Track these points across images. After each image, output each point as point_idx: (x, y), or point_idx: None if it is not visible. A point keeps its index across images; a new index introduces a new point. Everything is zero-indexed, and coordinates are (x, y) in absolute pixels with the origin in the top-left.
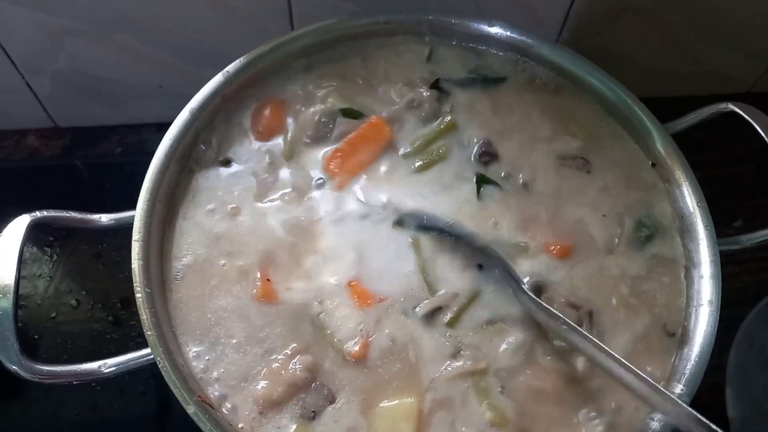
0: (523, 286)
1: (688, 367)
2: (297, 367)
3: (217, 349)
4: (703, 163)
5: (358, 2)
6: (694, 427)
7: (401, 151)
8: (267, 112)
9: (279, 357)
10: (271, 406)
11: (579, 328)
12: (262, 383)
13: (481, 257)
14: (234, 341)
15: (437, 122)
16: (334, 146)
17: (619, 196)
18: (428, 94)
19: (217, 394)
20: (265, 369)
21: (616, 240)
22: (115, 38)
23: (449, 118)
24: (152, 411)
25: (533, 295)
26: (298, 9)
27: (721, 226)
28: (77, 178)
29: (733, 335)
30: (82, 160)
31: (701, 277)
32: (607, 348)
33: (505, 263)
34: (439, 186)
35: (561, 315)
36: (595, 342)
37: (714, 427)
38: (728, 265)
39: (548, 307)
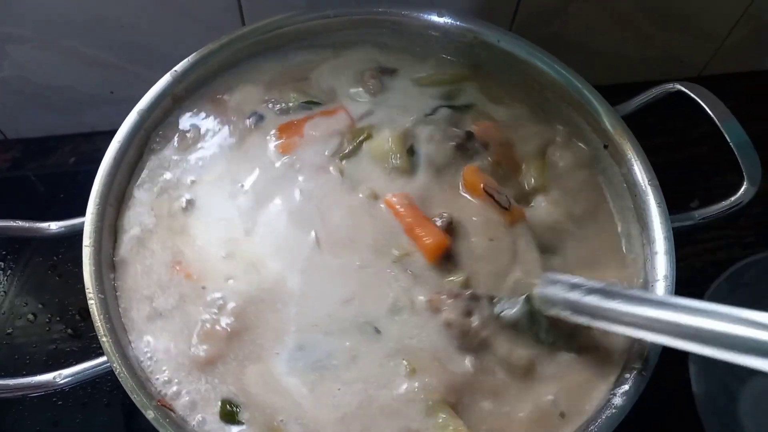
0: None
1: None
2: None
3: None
4: (658, 148)
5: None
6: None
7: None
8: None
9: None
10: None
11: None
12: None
13: None
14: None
15: None
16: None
17: None
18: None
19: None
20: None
21: None
22: (61, 43)
23: None
24: (118, 423)
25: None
26: (248, 6)
27: (678, 208)
28: (30, 190)
29: None
30: (34, 171)
31: (656, 253)
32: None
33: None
34: None
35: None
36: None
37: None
38: (686, 246)
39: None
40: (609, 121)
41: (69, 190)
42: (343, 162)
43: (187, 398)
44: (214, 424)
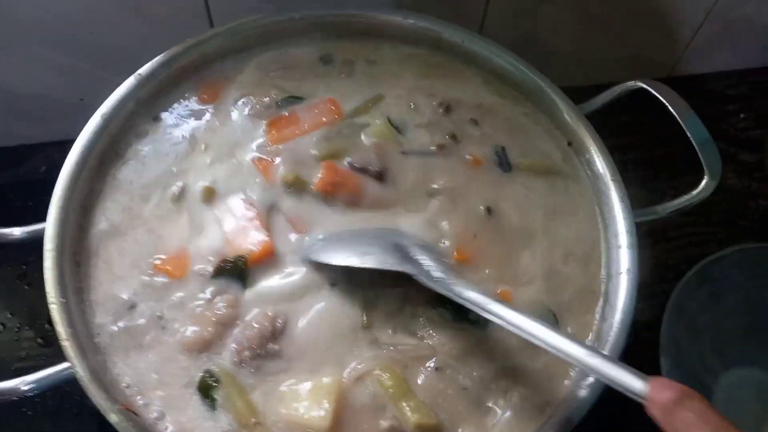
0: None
1: (611, 333)
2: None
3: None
4: (631, 146)
5: (277, 3)
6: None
7: None
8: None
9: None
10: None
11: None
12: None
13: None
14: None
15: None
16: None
17: None
18: None
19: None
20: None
21: None
22: (31, 50)
23: None
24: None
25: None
26: (216, 11)
27: (649, 205)
28: (0, 199)
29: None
30: (4, 180)
31: (619, 247)
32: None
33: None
34: None
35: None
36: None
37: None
38: (659, 243)
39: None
40: (571, 119)
41: (40, 198)
42: None
43: None
44: None
